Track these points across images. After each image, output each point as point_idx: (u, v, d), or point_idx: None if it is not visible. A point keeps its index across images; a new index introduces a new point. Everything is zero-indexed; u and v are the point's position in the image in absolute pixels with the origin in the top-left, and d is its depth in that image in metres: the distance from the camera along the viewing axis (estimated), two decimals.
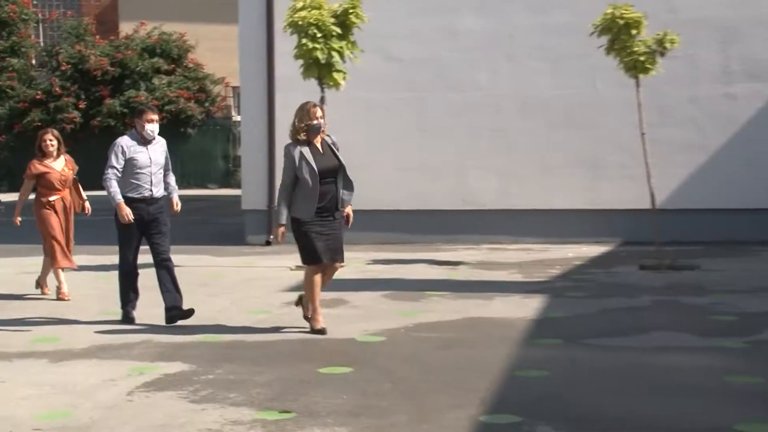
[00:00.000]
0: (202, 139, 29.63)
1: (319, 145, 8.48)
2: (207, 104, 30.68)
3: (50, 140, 10.68)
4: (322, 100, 11.99)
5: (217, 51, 30.69)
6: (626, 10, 11.70)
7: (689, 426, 5.93)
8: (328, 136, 8.62)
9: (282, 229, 8.51)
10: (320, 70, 12.26)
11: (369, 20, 12.69)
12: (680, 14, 13.99)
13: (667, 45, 11.72)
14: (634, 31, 11.69)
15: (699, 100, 14.66)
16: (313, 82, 12.54)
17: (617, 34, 11.73)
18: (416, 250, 14.66)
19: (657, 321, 9.04)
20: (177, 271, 9.36)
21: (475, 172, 15.13)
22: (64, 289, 10.68)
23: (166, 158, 9.41)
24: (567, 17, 14.55)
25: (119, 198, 8.96)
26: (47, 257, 10.80)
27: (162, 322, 9.08)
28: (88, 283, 11.69)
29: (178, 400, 6.60)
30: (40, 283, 11.04)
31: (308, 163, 8.32)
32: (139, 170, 9.10)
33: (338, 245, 8.56)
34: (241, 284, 11.83)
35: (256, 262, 13.87)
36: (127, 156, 9.06)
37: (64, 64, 30.41)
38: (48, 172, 10.63)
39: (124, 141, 9.20)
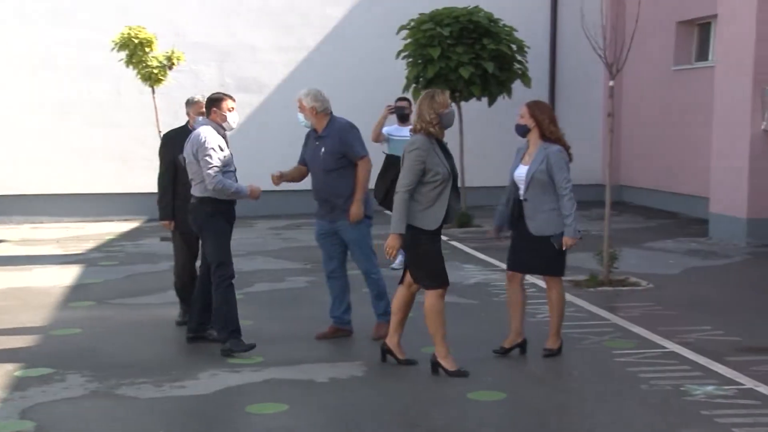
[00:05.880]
0: None
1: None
2: None
3: None
4: None
5: None
6: (140, 31, 11.39)
7: (204, 360, 5.92)
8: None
9: (400, 240, 5.44)
10: None
11: None
12: (185, 37, 13.89)
13: (175, 61, 11.61)
14: (147, 49, 11.41)
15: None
16: None
17: (134, 50, 11.39)
18: None
19: (170, 282, 8.90)
20: None
21: (23, 163, 13.91)
22: None
23: None
24: (92, 33, 13.81)
25: (243, 186, 6.15)
26: None
27: None
28: None
29: None
30: None
31: (442, 163, 5.49)
32: (227, 167, 6.17)
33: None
34: None
35: None
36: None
37: None
38: None
39: (214, 134, 6.10)
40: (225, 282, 6.14)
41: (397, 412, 4.96)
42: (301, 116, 6.39)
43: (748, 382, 5.34)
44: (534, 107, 5.85)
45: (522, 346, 6.01)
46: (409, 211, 5.43)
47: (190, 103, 6.91)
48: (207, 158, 6.02)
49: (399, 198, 5.42)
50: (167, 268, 9.73)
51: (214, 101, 6.26)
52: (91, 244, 11.62)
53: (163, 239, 11.87)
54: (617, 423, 4.74)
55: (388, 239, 5.42)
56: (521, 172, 5.83)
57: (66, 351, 6.26)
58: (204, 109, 6.50)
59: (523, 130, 5.85)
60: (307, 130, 6.54)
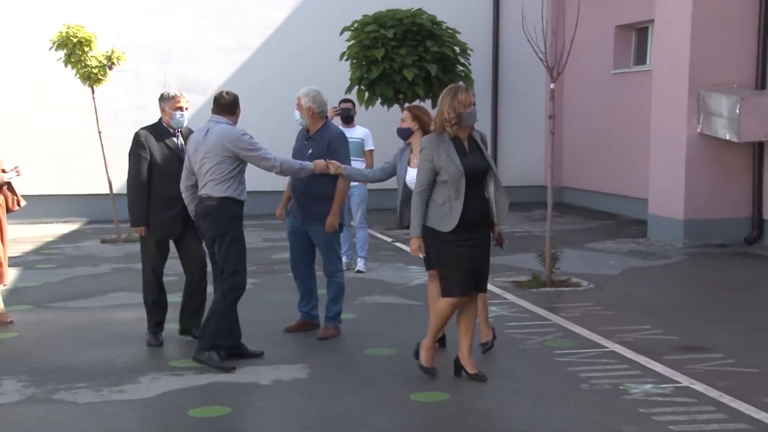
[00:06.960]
0: None
1: (465, 142, 5.43)
2: None
3: None
4: None
5: None
6: (78, 30, 11.20)
7: (146, 364, 5.83)
8: (476, 131, 5.59)
9: (419, 242, 5.42)
10: None
11: None
12: (126, 37, 13.68)
13: (116, 61, 11.43)
14: (87, 48, 11.23)
15: (144, 105, 14.47)
16: None
17: (72, 49, 11.19)
18: None
19: (115, 284, 8.78)
20: None
21: None
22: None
23: None
24: (30, 32, 13.48)
25: (306, 162, 6.14)
26: None
27: None
28: None
29: None
30: None
31: (452, 162, 5.31)
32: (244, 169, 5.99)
33: (484, 268, 5.51)
34: None
35: None
36: None
37: None
38: None
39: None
40: (236, 292, 5.84)
41: (340, 413, 4.96)
42: (297, 114, 6.51)
43: (685, 380, 5.47)
44: (417, 111, 6.14)
45: (441, 340, 6.23)
46: (429, 212, 5.37)
47: (165, 99, 6.35)
48: (256, 148, 5.80)
49: (414, 199, 5.41)
50: (107, 270, 9.62)
51: (237, 105, 6.00)
52: (28, 247, 11.37)
53: (104, 241, 11.69)
54: (557, 422, 4.81)
55: (411, 243, 5.47)
56: (412, 175, 5.87)
57: (2, 356, 6.12)
58: (181, 104, 6.30)
59: (406, 134, 6.10)
60: (300, 127, 6.65)
